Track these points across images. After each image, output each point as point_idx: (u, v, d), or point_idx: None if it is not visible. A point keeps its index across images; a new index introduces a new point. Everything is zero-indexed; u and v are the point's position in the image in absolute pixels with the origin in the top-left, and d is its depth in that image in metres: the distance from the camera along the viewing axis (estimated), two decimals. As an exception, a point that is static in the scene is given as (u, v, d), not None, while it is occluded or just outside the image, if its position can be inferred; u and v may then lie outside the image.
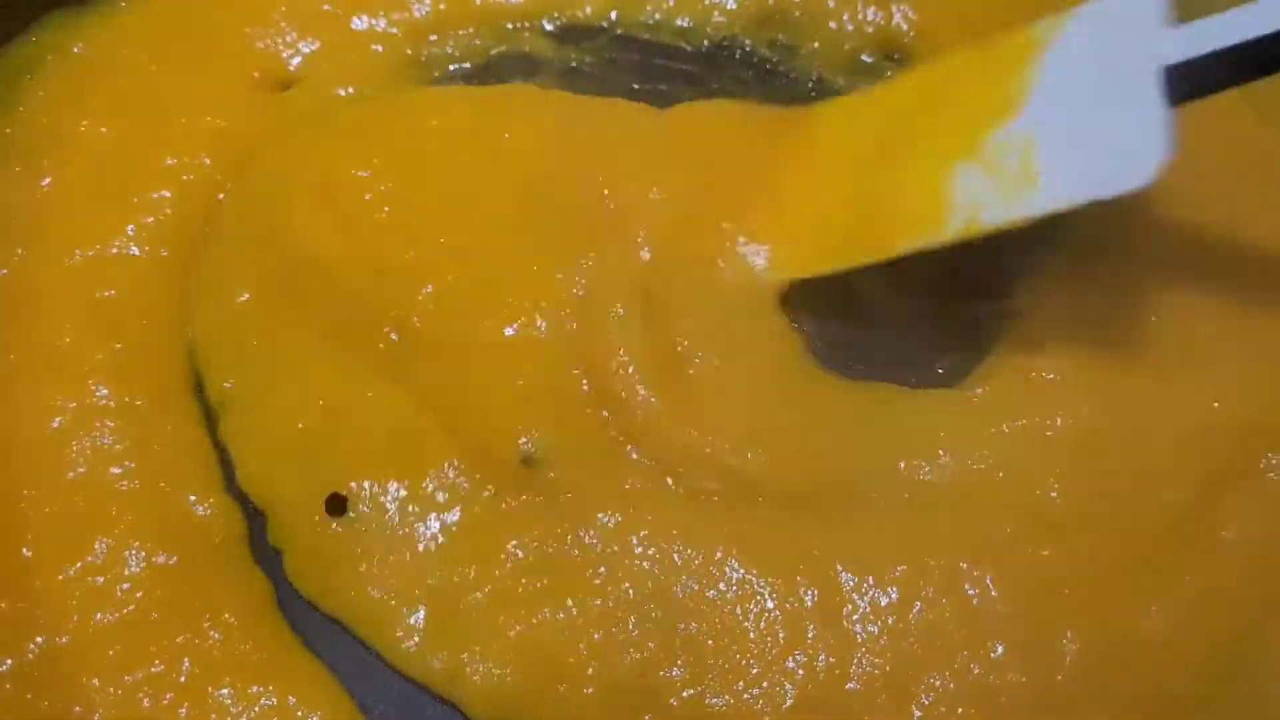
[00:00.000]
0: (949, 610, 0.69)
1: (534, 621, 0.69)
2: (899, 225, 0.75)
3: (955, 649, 0.68)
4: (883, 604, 0.69)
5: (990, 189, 0.71)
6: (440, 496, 0.73)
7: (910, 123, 0.78)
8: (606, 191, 0.81)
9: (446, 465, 0.73)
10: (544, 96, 0.88)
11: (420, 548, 0.71)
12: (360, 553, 0.71)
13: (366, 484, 0.73)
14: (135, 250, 0.80)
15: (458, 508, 0.72)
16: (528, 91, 0.89)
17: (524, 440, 0.73)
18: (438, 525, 0.72)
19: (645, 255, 0.79)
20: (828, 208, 0.80)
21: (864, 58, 0.92)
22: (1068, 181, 0.69)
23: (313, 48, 0.89)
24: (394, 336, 0.77)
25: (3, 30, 0.87)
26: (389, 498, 0.73)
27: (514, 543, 0.71)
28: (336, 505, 0.73)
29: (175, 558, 0.71)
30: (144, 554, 0.71)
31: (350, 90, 0.89)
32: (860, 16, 0.93)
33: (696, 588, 0.70)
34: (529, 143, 0.84)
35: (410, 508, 0.72)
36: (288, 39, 0.89)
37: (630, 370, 0.75)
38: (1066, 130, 0.70)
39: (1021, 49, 0.75)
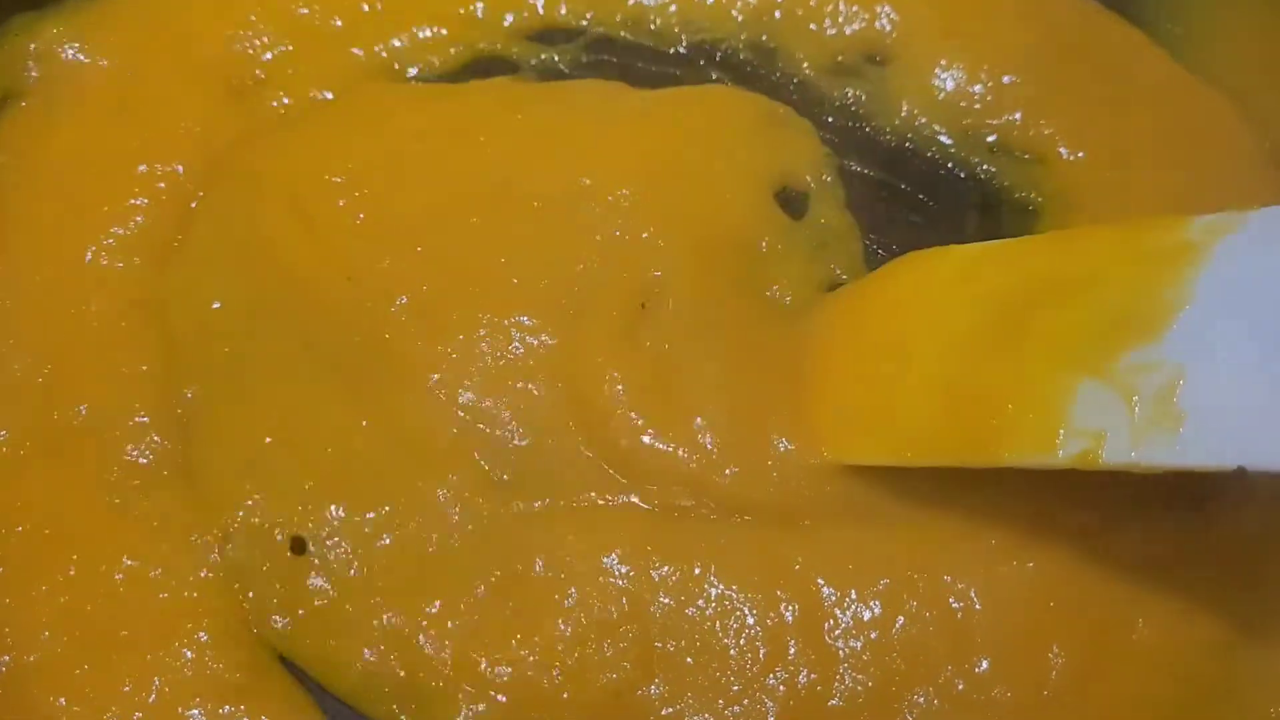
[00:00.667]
0: (933, 624, 0.68)
1: (505, 650, 0.67)
2: (1001, 433, 0.64)
3: (940, 663, 0.67)
4: (865, 618, 0.68)
5: (1119, 421, 0.59)
6: (404, 524, 0.70)
7: (1028, 309, 0.66)
8: (587, 183, 0.80)
9: (410, 490, 0.71)
10: (520, 89, 0.87)
11: (381, 581, 0.69)
12: (319, 589, 0.69)
13: (329, 511, 0.71)
14: (106, 260, 0.79)
15: (423, 535, 0.70)
16: (501, 85, 0.87)
17: (489, 462, 0.72)
18: (401, 555, 0.70)
19: (640, 264, 0.77)
20: (904, 388, 0.70)
21: (842, 59, 0.91)
22: (1220, 436, 0.57)
23: (286, 50, 0.88)
24: (364, 351, 0.75)
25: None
26: (350, 529, 0.70)
27: (481, 568, 0.69)
28: (298, 543, 0.71)
29: (150, 573, 0.69)
30: (115, 570, 0.69)
31: (326, 94, 0.87)
32: (841, 18, 0.91)
33: (673, 605, 0.68)
34: (506, 140, 0.83)
35: (373, 539, 0.70)
36: (262, 41, 0.88)
37: (617, 387, 0.73)
38: (1228, 369, 0.58)
39: (1175, 252, 0.62)
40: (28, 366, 0.75)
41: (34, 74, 0.85)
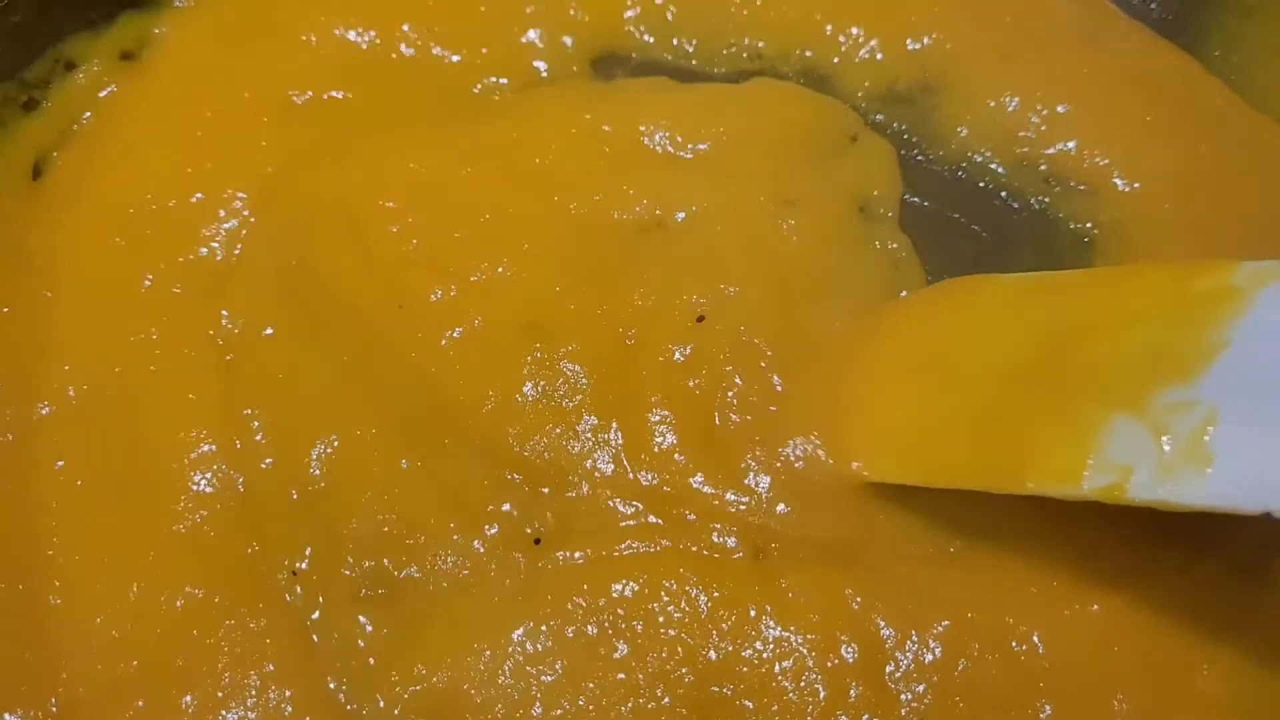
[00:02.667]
0: (995, 667, 0.67)
1: (557, 706, 0.66)
2: (1027, 460, 0.64)
3: (1002, 708, 0.66)
4: (927, 660, 0.67)
5: (1148, 456, 0.60)
6: (443, 580, 0.69)
7: (1067, 342, 0.67)
8: (657, 212, 0.79)
9: (445, 543, 0.70)
10: (577, 94, 0.87)
11: (423, 642, 0.68)
12: (365, 645, 0.68)
13: (366, 562, 0.70)
14: (165, 287, 0.79)
15: (463, 592, 0.69)
16: (559, 94, 0.87)
17: (529, 514, 0.71)
18: (442, 614, 0.68)
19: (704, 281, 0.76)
20: (937, 409, 0.70)
21: (896, 86, 0.90)
22: (1248, 480, 0.57)
23: (341, 75, 0.88)
24: (410, 386, 0.74)
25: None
26: (389, 583, 0.69)
27: (523, 624, 0.68)
28: (350, 586, 0.70)
29: (214, 601, 0.69)
30: (175, 599, 0.69)
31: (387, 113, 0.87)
32: (895, 46, 0.91)
33: (730, 649, 0.67)
34: (566, 163, 0.82)
35: (413, 595, 0.69)
36: (317, 65, 0.87)
37: (667, 429, 0.72)
38: (1261, 415, 0.58)
39: (1218, 296, 0.62)
40: (88, 393, 0.75)
41: (90, 99, 0.86)
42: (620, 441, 0.73)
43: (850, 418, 0.73)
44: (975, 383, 0.69)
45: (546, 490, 0.72)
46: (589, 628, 0.68)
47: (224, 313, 0.79)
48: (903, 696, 0.66)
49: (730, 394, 0.74)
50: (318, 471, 0.72)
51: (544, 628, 0.68)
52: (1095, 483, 0.61)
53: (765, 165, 0.83)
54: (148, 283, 0.78)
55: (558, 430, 0.73)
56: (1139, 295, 0.66)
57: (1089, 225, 0.86)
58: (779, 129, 0.85)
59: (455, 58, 0.90)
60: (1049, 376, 0.66)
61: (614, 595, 0.69)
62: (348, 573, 0.69)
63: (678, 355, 0.74)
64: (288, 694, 0.67)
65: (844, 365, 0.75)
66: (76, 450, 0.73)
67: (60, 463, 0.73)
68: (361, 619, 0.68)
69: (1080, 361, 0.65)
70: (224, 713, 0.66)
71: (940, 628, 0.68)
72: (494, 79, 0.90)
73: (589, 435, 0.73)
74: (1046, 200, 0.87)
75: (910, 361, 0.74)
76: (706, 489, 0.71)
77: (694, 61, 0.92)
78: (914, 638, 0.68)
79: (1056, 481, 0.63)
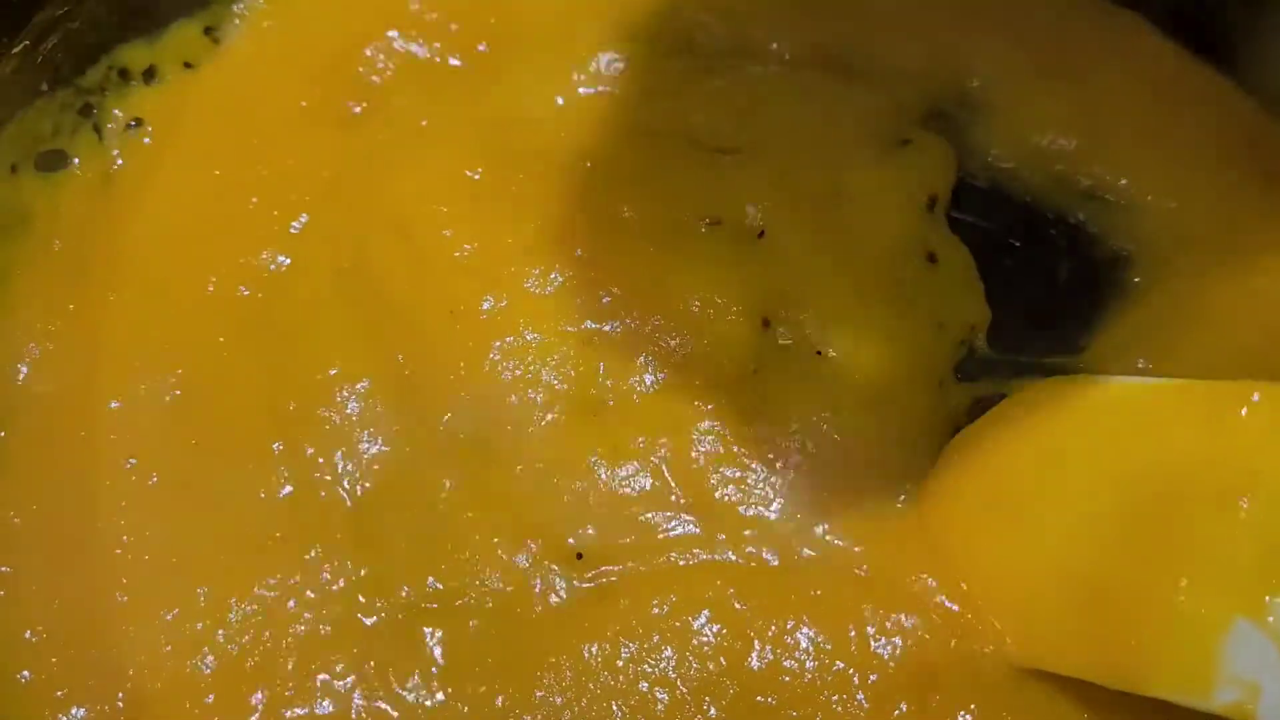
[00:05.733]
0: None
1: None
2: (1147, 656, 0.57)
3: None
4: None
5: (1274, 673, 0.53)
6: (487, 598, 0.71)
7: (1181, 505, 0.59)
8: (714, 209, 0.81)
9: (491, 561, 0.71)
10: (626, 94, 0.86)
11: (478, 667, 0.69)
12: (424, 678, 0.69)
13: (409, 587, 0.71)
14: (228, 290, 0.80)
15: (508, 608, 0.70)
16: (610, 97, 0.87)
17: (568, 531, 0.72)
18: (494, 633, 0.70)
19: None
20: (1036, 562, 0.64)
21: (935, 103, 0.90)
22: None
23: (396, 80, 0.88)
24: (459, 398, 0.75)
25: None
26: (442, 596, 0.71)
27: (564, 646, 0.69)
28: (407, 609, 0.71)
29: (286, 602, 0.70)
30: (245, 602, 0.70)
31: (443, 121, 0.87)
32: (933, 63, 0.91)
33: (772, 658, 0.68)
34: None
35: (462, 618, 0.70)
36: (379, 73, 0.88)
37: (716, 439, 0.74)
38: None
39: None
40: (156, 392, 0.76)
41: (148, 107, 0.86)
42: (666, 454, 0.74)
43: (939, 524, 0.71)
44: (1079, 536, 0.63)
45: (589, 510, 0.73)
46: (630, 642, 0.69)
47: (282, 314, 0.80)
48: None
49: (779, 414, 0.75)
50: (368, 485, 0.74)
51: (584, 646, 0.69)
52: (1223, 699, 0.54)
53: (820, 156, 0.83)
54: (210, 287, 0.80)
55: (606, 450, 0.74)
56: (1255, 452, 0.58)
57: (1126, 243, 0.87)
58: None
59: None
60: (1162, 548, 0.58)
61: (651, 610, 0.70)
62: (403, 586, 0.71)
63: (734, 372, 0.75)
64: (355, 696, 0.68)
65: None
66: (146, 449, 0.74)
67: (132, 461, 0.74)
68: (423, 629, 0.70)
69: (1195, 535, 0.58)
70: (292, 710, 0.68)
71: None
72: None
73: (638, 447, 0.74)
74: (1083, 217, 0.88)
75: (1000, 488, 0.69)
76: (750, 507, 0.72)
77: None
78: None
79: (1184, 692, 0.56)
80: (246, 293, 0.80)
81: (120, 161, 0.84)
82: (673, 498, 0.73)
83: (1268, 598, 0.54)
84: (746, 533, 0.72)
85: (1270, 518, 0.56)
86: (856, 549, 0.72)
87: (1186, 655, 0.56)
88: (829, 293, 0.79)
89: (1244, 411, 0.59)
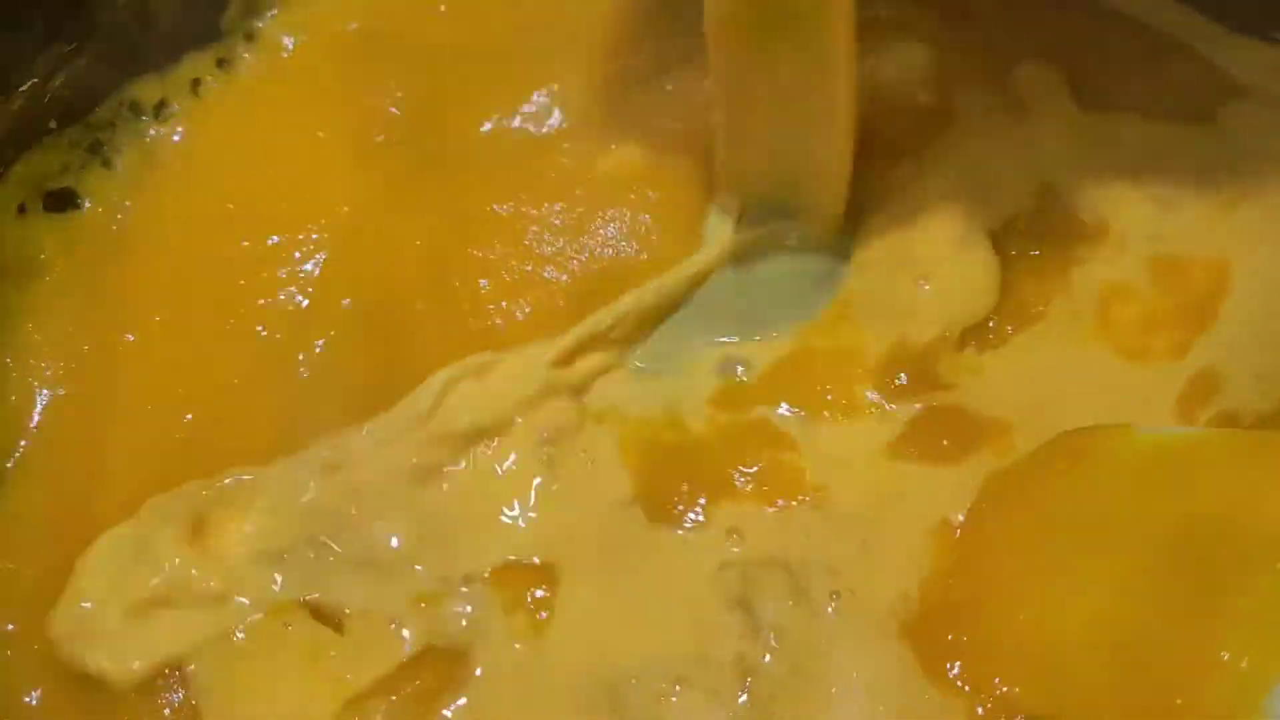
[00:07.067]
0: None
1: None
2: (1187, 712, 0.55)
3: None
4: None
5: None
6: None
7: (1223, 564, 0.57)
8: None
9: None
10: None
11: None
12: None
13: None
14: (248, 327, 0.78)
15: None
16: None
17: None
18: None
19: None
20: (1068, 621, 0.61)
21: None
22: None
23: (427, 111, 0.86)
24: None
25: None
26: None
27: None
28: None
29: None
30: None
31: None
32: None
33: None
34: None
35: None
36: (398, 104, 0.86)
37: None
38: None
39: None
40: (166, 431, 0.75)
41: (159, 143, 0.85)
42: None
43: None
44: (1115, 596, 0.60)
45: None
46: None
47: (300, 355, 0.78)
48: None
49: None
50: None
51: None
52: None
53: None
54: (229, 325, 0.78)
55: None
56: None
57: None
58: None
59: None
60: (1202, 611, 0.56)
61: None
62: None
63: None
64: None
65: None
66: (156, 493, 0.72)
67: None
68: None
69: (1236, 587, 0.56)
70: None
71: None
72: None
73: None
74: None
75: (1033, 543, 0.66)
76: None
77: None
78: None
79: None
80: (264, 333, 0.78)
81: (131, 199, 0.82)
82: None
83: None
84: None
85: None
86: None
87: (1229, 712, 0.54)
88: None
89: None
